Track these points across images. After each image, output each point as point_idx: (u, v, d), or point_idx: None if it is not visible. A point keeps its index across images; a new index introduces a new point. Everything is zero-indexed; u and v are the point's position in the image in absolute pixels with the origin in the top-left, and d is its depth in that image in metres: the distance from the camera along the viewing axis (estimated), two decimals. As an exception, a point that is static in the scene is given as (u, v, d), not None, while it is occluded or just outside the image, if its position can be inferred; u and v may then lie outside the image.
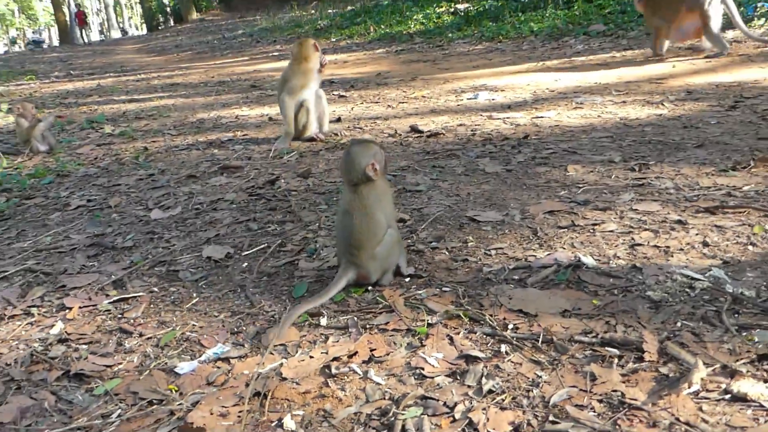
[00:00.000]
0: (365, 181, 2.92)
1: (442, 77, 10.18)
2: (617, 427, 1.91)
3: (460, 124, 6.51)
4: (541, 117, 6.45)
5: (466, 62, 11.95)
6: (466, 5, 19.47)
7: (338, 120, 7.37)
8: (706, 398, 2.00)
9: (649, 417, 1.93)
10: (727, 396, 1.99)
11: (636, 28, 12.14)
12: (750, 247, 3.01)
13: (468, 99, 8.03)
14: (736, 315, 2.45)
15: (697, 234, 3.21)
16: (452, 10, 19.50)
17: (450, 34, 16.14)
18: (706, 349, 2.24)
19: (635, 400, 2.01)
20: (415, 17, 19.82)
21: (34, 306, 3.22)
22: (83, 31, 49.17)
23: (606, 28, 12.71)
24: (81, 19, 48.44)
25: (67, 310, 3.12)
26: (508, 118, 6.59)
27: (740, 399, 1.97)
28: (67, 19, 47.23)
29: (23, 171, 6.32)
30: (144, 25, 53.74)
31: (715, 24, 8.59)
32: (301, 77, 6.09)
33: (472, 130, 6.16)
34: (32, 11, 78.86)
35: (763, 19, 10.42)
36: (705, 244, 3.09)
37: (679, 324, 2.42)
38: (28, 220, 4.75)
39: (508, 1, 17.92)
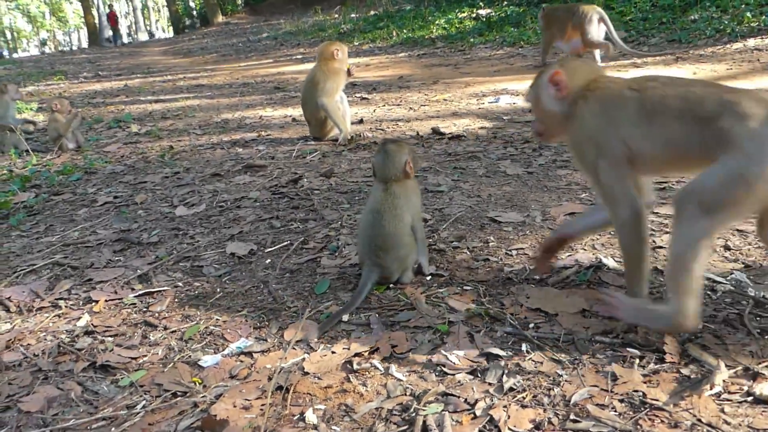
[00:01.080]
0: (400, 179, 2.99)
1: (464, 81, 10.15)
2: (638, 427, 1.88)
3: (481, 127, 6.48)
4: (562, 121, 6.40)
5: (487, 67, 11.91)
6: (488, 11, 19.42)
7: (360, 122, 7.37)
8: (728, 400, 1.97)
9: (671, 417, 1.91)
10: (749, 398, 1.96)
11: (657, 35, 12.05)
12: (772, 252, 2.97)
13: (489, 102, 8.00)
14: (758, 318, 2.42)
15: (718, 238, 3.17)
16: (474, 15, 19.44)
17: (472, 39, 16.08)
18: (728, 352, 2.21)
19: (657, 400, 1.98)
20: (437, 22, 19.77)
21: (61, 299, 3.24)
22: (115, 32, 49.29)
23: (627, 35, 12.60)
24: (113, 20, 48.56)
25: (93, 303, 3.14)
26: (529, 121, 6.55)
27: (762, 401, 1.94)
28: (96, 21, 47.56)
29: (52, 168, 6.37)
30: (170, 28, 54.03)
31: (595, 36, 9.81)
32: (332, 79, 6.13)
33: (493, 133, 6.13)
34: (62, 14, 79.60)
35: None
36: (727, 248, 3.05)
37: (700, 326, 2.39)
38: (56, 215, 4.79)
39: (530, 7, 17.84)
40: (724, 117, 2.10)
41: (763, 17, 11.09)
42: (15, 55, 57.39)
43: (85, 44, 56.95)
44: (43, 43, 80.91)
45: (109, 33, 47.57)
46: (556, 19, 10.46)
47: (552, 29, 10.56)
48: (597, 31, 9.74)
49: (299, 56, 19.35)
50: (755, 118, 2.05)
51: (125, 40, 47.91)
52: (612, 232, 3.34)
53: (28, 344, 2.77)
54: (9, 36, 77.91)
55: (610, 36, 9.81)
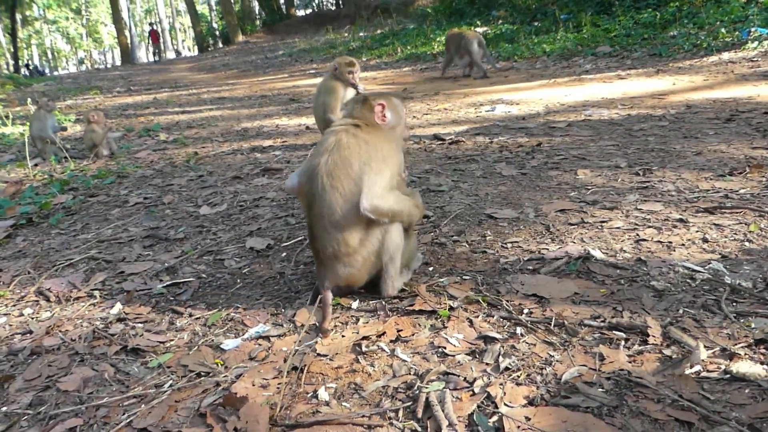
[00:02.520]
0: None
1: (462, 92, 10.13)
2: (624, 402, 1.87)
3: (479, 133, 6.46)
4: (553, 127, 6.38)
5: (484, 79, 11.87)
6: (485, 28, 19.39)
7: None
8: (707, 378, 1.95)
9: (655, 394, 1.89)
10: (727, 376, 1.94)
11: (639, 50, 12.00)
12: (746, 244, 2.94)
13: (486, 111, 7.98)
14: (735, 304, 2.39)
15: (697, 231, 3.14)
16: (472, 33, 19.44)
17: (469, 55, 16.05)
18: (707, 334, 2.19)
19: (641, 378, 1.96)
20: (438, 39, 19.72)
21: (96, 289, 3.24)
22: (156, 49, 49.12)
23: (612, 50, 12.58)
24: (155, 37, 48.38)
25: (125, 293, 3.14)
26: (522, 128, 6.53)
27: (739, 379, 1.92)
28: (128, 41, 47.64)
29: (88, 172, 6.38)
30: (195, 47, 54.11)
31: (474, 56, 11.86)
32: (332, 94, 6.02)
33: (489, 139, 6.11)
34: (98, 35, 79.91)
35: (757, 42, 10.24)
36: (705, 240, 3.02)
37: (681, 311, 2.37)
38: (91, 215, 4.79)
39: (523, 25, 17.83)
40: None
41: (737, 33, 11.04)
42: (55, 73, 57.57)
43: (118, 62, 57.05)
44: (81, 62, 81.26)
45: (136, 50, 47.55)
46: (453, 41, 12.25)
47: (451, 49, 12.41)
48: (477, 52, 11.84)
49: (312, 71, 19.35)
50: None
51: (156, 57, 47.78)
52: (595, 225, 3.32)
53: (66, 330, 2.77)
54: (50, 55, 78.18)
55: (486, 56, 12.27)
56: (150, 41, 48.64)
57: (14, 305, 3.14)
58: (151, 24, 53.31)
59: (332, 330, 2.53)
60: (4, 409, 2.20)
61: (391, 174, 2.59)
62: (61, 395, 2.25)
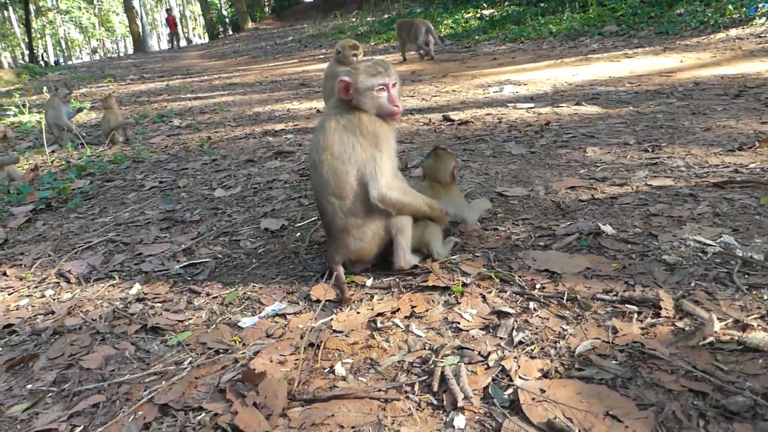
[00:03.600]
0: (447, 182, 3.02)
1: (470, 74, 10.05)
2: (638, 373, 1.85)
3: (488, 114, 6.41)
4: (561, 106, 6.32)
5: (491, 61, 11.78)
6: (491, 11, 19.21)
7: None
8: (720, 349, 1.93)
9: (668, 365, 1.87)
10: (740, 347, 1.92)
11: (646, 28, 11.85)
12: (757, 217, 2.90)
13: (494, 92, 7.91)
14: (746, 276, 2.36)
15: (708, 205, 3.11)
16: (479, 15, 19.23)
17: (477, 37, 15.92)
18: (719, 306, 2.17)
19: (654, 350, 1.95)
20: (445, 22, 19.57)
21: (115, 271, 3.25)
22: (174, 36, 48.64)
23: (619, 29, 12.43)
24: (172, 24, 47.90)
25: (143, 274, 3.14)
26: (530, 107, 6.47)
27: (752, 349, 1.90)
28: (140, 30, 47.49)
29: (104, 158, 6.39)
30: (206, 35, 53.88)
31: (421, 41, 12.77)
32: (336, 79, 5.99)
33: (498, 119, 6.06)
34: (110, 24, 79.75)
35: (764, 18, 10.09)
36: (715, 215, 2.99)
37: (693, 284, 2.35)
38: (109, 199, 4.80)
39: (529, 6, 17.64)
40: None
41: (744, 9, 10.88)
42: (69, 62, 57.63)
43: (130, 51, 56.98)
44: (94, 51, 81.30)
45: (147, 39, 47.21)
46: (403, 28, 13.18)
47: (402, 36, 13.35)
48: (424, 38, 12.75)
49: (321, 56, 19.26)
50: None
51: (165, 46, 47.60)
52: (605, 202, 3.30)
53: (87, 310, 2.78)
54: (63, 45, 78.22)
55: (436, 41, 13.11)
56: (168, 27, 48.21)
57: (36, 287, 3.15)
58: (168, 10, 52.80)
59: (352, 300, 2.55)
60: (30, 386, 2.21)
61: (390, 158, 2.62)
62: (84, 373, 2.26)
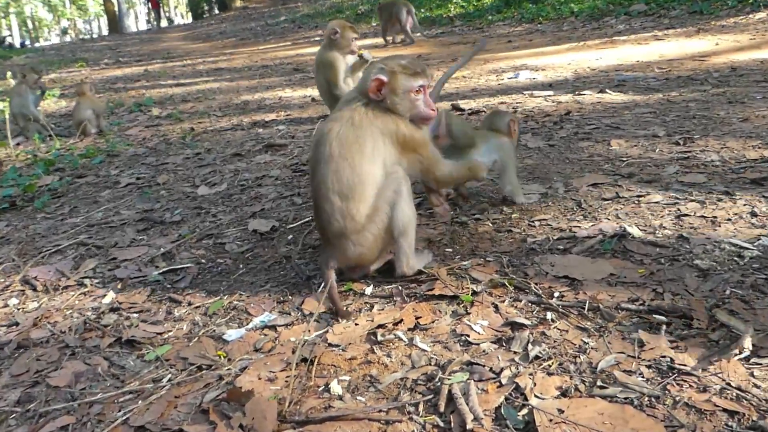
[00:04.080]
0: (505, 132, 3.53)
1: (483, 58, 10.05)
2: (666, 392, 1.85)
3: (501, 102, 6.42)
4: (583, 94, 6.32)
5: (506, 43, 11.79)
6: (506, -13, 19.22)
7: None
8: (757, 364, 1.93)
9: (700, 382, 1.87)
10: (780, 362, 1.92)
11: (678, 8, 11.85)
12: (800, 217, 2.91)
13: (509, 78, 7.93)
14: (788, 283, 2.37)
15: (744, 204, 3.11)
16: (492, -8, 19.26)
17: (490, 17, 15.96)
18: (756, 316, 2.17)
19: (685, 365, 1.95)
20: (455, 0, 19.61)
21: (86, 277, 3.26)
22: (158, 14, 48.49)
23: (647, 8, 12.44)
24: (154, 1, 47.69)
25: (118, 281, 3.15)
26: (549, 95, 6.48)
27: (793, 365, 1.90)
28: (116, 9, 47.51)
29: (75, 151, 6.40)
30: (189, 14, 53.92)
31: (407, 24, 13.50)
32: (334, 66, 5.97)
33: (513, 108, 6.07)
34: (82, 2, 79.85)
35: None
36: (753, 215, 2.99)
37: (728, 292, 2.35)
38: (80, 197, 4.81)
39: (548, -17, 17.65)
40: None
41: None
42: (37, 44, 57.70)
43: (105, 32, 57.04)
44: (64, 32, 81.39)
45: (124, 18, 47.07)
46: (385, 9, 13.83)
47: (383, 18, 14.04)
48: (405, 19, 13.41)
49: (317, 38, 19.25)
50: None
51: (144, 26, 47.64)
52: (631, 200, 3.30)
53: (55, 321, 2.79)
54: (30, 25, 78.34)
55: (415, 24, 13.77)
56: (149, 5, 48.09)
57: (-2, 295, 3.16)
58: None
59: (350, 314, 2.54)
60: (-9, 406, 2.22)
61: (432, 150, 2.81)
62: (52, 391, 2.27)
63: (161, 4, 48.77)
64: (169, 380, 2.25)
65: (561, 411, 1.83)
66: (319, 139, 2.68)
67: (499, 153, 3.44)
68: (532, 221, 3.24)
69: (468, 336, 2.28)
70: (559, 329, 2.26)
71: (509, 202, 3.50)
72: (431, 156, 2.79)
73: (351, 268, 2.76)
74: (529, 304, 2.45)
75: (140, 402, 2.13)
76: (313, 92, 8.41)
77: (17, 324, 2.81)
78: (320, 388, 2.10)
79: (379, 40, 14.55)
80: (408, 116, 2.72)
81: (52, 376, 2.35)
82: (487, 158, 3.39)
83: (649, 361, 2.01)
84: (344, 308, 2.57)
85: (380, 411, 1.93)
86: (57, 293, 3.11)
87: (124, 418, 2.05)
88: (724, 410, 1.75)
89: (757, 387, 1.83)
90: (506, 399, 1.92)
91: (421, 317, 2.45)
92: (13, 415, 2.16)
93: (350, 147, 2.58)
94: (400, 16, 13.32)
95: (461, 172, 3.07)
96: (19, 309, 2.98)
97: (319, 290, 2.73)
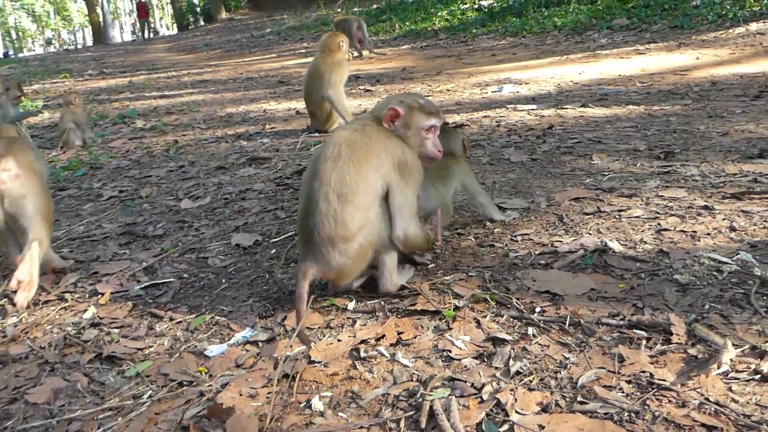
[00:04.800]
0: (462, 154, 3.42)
1: (467, 71, 10.11)
2: (646, 407, 1.86)
3: (485, 116, 6.45)
4: (566, 108, 6.37)
5: (490, 57, 11.87)
6: (490, 1, 19.33)
7: (364, 113, 7.35)
8: (735, 378, 1.94)
9: (679, 397, 1.89)
10: (757, 376, 1.94)
11: (659, 22, 11.97)
12: (778, 232, 2.94)
13: (492, 92, 7.97)
14: (765, 297, 2.39)
15: (724, 219, 3.14)
16: (476, 6, 19.36)
17: (474, 30, 16.04)
18: (735, 331, 2.19)
19: (664, 380, 1.96)
20: (439, 14, 19.71)
21: (67, 292, 3.24)
22: (145, 24, 47.83)
23: (629, 23, 12.57)
24: (143, 11, 47.03)
25: (99, 296, 3.13)
26: (532, 109, 6.52)
27: (771, 380, 1.92)
28: (101, 19, 47.36)
29: (57, 164, 6.37)
30: (175, 25, 53.86)
31: (356, 39, 14.24)
32: (337, 71, 6.14)
33: (496, 122, 6.11)
34: (67, 12, 79.61)
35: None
36: (732, 229, 3.02)
37: (707, 306, 2.37)
38: (62, 210, 4.78)
39: (532, -3, 17.78)
40: None
41: (765, 1, 11.01)
42: (20, 55, 57.40)
43: (90, 42, 56.85)
44: (48, 42, 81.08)
45: (109, 29, 46.59)
46: (339, 25, 14.38)
47: (342, 31, 14.12)
48: (355, 34, 14.13)
49: (302, 50, 19.32)
50: None
51: (129, 37, 47.35)
52: (613, 215, 3.32)
53: (35, 337, 2.77)
54: (14, 35, 77.95)
55: (364, 38, 14.65)
56: (138, 16, 47.49)
57: (-22, 311, 3.13)
58: None
59: (309, 338, 2.47)
60: (-31, 424, 2.20)
61: (416, 198, 2.77)
62: (30, 408, 2.25)
63: (149, 15, 48.17)
64: (150, 397, 2.24)
65: (542, 427, 1.83)
66: (327, 142, 2.70)
67: (464, 180, 3.38)
68: (515, 236, 3.26)
69: (450, 351, 2.29)
70: (540, 344, 2.27)
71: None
72: (412, 199, 2.73)
73: (330, 279, 2.73)
74: (511, 319, 2.46)
75: (120, 419, 2.12)
76: (298, 105, 8.42)
77: (-4, 339, 2.78)
78: (302, 405, 2.10)
79: (364, 52, 14.64)
80: (415, 151, 2.78)
81: (30, 392, 2.33)
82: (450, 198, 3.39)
83: (628, 376, 2.02)
84: (307, 336, 2.48)
85: (362, 427, 1.93)
86: (37, 308, 3.08)
87: (104, 435, 2.04)
88: (703, 425, 1.76)
89: (736, 402, 1.84)
90: (487, 415, 1.92)
91: (403, 332, 2.45)
92: (-9, 433, 2.14)
93: (358, 152, 2.59)
94: (351, 30, 14.06)
95: (425, 238, 2.83)
96: (-2, 324, 2.95)
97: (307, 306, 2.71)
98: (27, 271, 3.08)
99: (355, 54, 14.67)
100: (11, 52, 61.32)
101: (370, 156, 2.60)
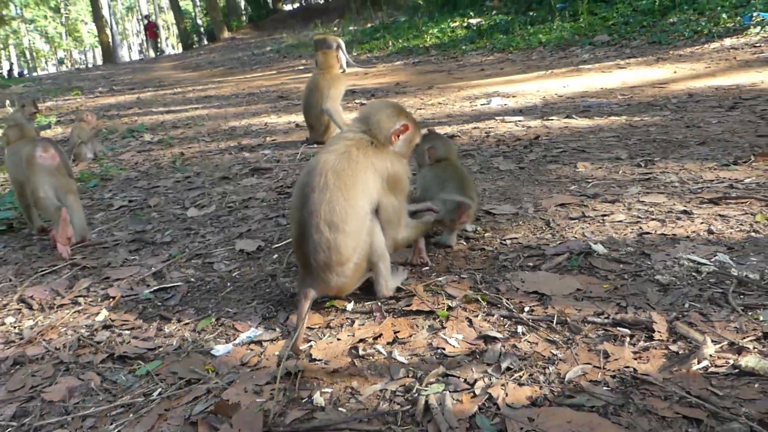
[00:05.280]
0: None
1: (457, 86, 10.13)
2: (630, 400, 1.86)
3: (475, 128, 6.46)
4: (551, 119, 6.39)
5: (478, 72, 11.89)
6: (479, 20, 19.39)
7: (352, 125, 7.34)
8: (715, 373, 1.95)
9: (661, 391, 1.89)
10: (735, 371, 1.94)
11: (638, 38, 12.02)
12: (753, 234, 2.95)
13: (481, 105, 7.98)
14: (742, 296, 2.39)
15: (702, 223, 3.15)
16: (465, 24, 19.40)
17: (463, 47, 16.07)
18: (714, 328, 2.19)
19: (647, 375, 1.97)
20: (430, 32, 19.73)
21: (80, 296, 3.23)
22: (155, 43, 47.38)
23: (610, 39, 12.61)
24: (152, 31, 46.62)
25: (110, 299, 3.13)
26: (519, 121, 6.53)
27: (748, 373, 1.92)
28: (110, 40, 47.34)
29: (70, 176, 6.35)
30: (180, 44, 53.82)
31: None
32: (335, 85, 6.17)
33: (486, 133, 6.11)
34: (78, 34, 79.61)
35: (759, 27, 10.27)
36: (710, 232, 3.03)
37: (687, 305, 2.37)
38: (74, 219, 4.77)
39: (518, 15, 17.82)
40: None
41: (738, 18, 11.07)
42: (34, 74, 57.34)
43: (99, 62, 56.80)
44: (61, 62, 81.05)
45: (117, 49, 46.33)
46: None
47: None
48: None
49: (301, 67, 19.33)
50: None
51: (136, 56, 47.20)
52: (597, 219, 3.33)
53: (50, 339, 2.76)
54: (28, 56, 77.91)
55: (344, 54, 14.08)
56: (146, 35, 47.12)
57: (-5, 314, 3.12)
58: (147, 17, 51.80)
59: (300, 349, 2.42)
60: (-13, 422, 2.19)
61: (403, 200, 2.75)
62: (46, 406, 2.24)
63: (157, 34, 47.81)
64: (160, 394, 2.23)
65: (531, 419, 1.83)
66: (312, 169, 2.60)
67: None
68: (504, 240, 3.26)
69: (444, 349, 2.29)
70: (529, 342, 2.27)
71: (483, 222, 3.52)
72: (401, 208, 2.72)
73: (331, 296, 2.73)
74: (501, 318, 2.46)
75: (131, 415, 2.11)
76: (297, 118, 8.42)
77: (13, 341, 2.77)
78: (303, 400, 2.09)
79: (359, 68, 14.65)
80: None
81: (46, 391, 2.33)
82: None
83: (613, 371, 2.02)
84: (300, 347, 2.42)
85: (360, 421, 1.93)
86: (52, 311, 3.08)
87: (116, 431, 2.03)
88: (685, 417, 1.77)
89: (716, 395, 1.84)
90: (480, 409, 1.92)
91: (399, 332, 2.45)
92: (9, 429, 2.13)
93: (345, 179, 2.53)
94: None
95: (418, 231, 2.91)
96: (15, 327, 2.94)
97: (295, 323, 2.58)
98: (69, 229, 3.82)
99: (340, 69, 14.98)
100: (26, 71, 61.24)
101: (357, 182, 2.55)
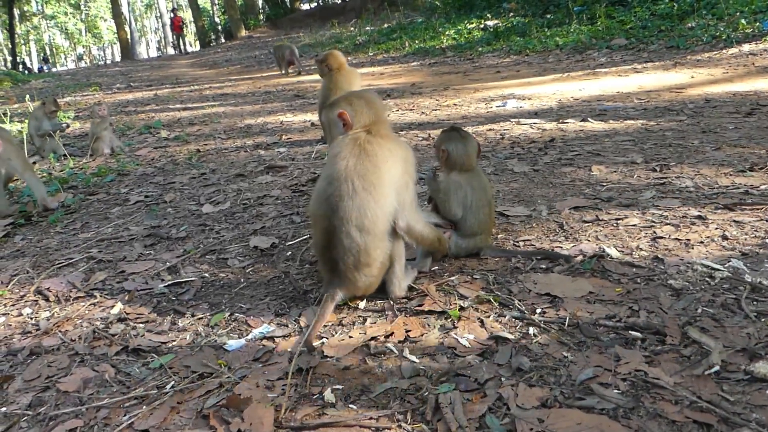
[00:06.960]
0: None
1: (473, 87, 10.11)
2: (641, 404, 1.86)
3: (490, 129, 6.45)
4: (566, 122, 6.37)
5: (494, 74, 11.86)
6: (495, 21, 19.34)
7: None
8: (726, 378, 1.94)
9: (672, 395, 1.88)
10: (747, 377, 1.94)
11: (656, 42, 11.96)
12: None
13: (497, 107, 7.97)
14: (755, 303, 2.38)
15: (716, 228, 3.13)
16: (482, 26, 19.36)
17: (480, 48, 16.03)
18: (726, 334, 2.19)
19: (658, 379, 1.96)
20: (447, 33, 19.70)
21: (96, 289, 3.26)
22: (180, 39, 46.38)
23: (628, 42, 12.53)
24: (177, 25, 45.72)
25: (126, 293, 3.15)
26: (534, 123, 6.51)
27: (760, 379, 1.91)
28: (128, 37, 47.62)
29: (87, 170, 6.41)
30: (197, 42, 53.99)
31: (287, 61, 17.07)
32: (349, 85, 6.15)
33: (500, 135, 6.10)
34: (97, 30, 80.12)
35: (779, 33, 10.19)
36: (724, 238, 3.01)
37: (699, 310, 2.36)
38: (91, 213, 4.82)
39: (535, 17, 17.77)
40: None
41: (757, 24, 10.98)
42: (54, 69, 57.77)
43: (118, 58, 57.16)
44: (80, 58, 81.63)
45: (136, 46, 46.10)
46: (278, 50, 17.55)
47: (277, 56, 17.72)
48: (288, 57, 16.98)
49: (317, 66, 19.32)
50: None
51: (154, 53, 47.05)
52: (610, 223, 3.32)
53: (66, 330, 2.79)
54: (48, 51, 78.51)
55: (296, 61, 17.14)
56: (172, 29, 46.30)
57: (13, 305, 3.16)
58: (173, 10, 50.99)
59: (313, 345, 2.43)
60: (4, 409, 2.22)
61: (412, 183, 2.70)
62: (61, 396, 2.27)
63: (183, 28, 46.65)
64: (173, 387, 2.25)
65: (541, 421, 1.84)
66: (334, 177, 2.55)
67: None
68: (517, 242, 3.26)
69: (455, 349, 2.29)
70: (540, 344, 2.27)
71: (497, 224, 3.52)
72: (413, 189, 2.70)
73: (357, 296, 2.74)
74: (513, 319, 2.46)
75: (144, 407, 2.14)
76: (313, 117, 8.44)
77: (30, 332, 2.81)
78: (315, 396, 2.11)
79: (376, 68, 14.64)
80: None
81: (62, 381, 2.36)
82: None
83: (624, 374, 2.02)
84: (312, 344, 2.41)
85: (371, 419, 1.94)
86: (68, 304, 3.11)
87: (129, 422, 2.06)
88: (695, 422, 1.77)
89: (726, 400, 1.84)
90: (489, 409, 1.93)
91: (411, 330, 2.46)
92: (25, 418, 2.16)
93: (371, 179, 2.52)
94: (284, 53, 17.03)
95: (433, 236, 2.84)
96: (32, 318, 2.98)
97: (315, 316, 2.61)
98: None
99: (293, 72, 17.04)
100: (45, 68, 61.73)
101: (383, 178, 2.54)
